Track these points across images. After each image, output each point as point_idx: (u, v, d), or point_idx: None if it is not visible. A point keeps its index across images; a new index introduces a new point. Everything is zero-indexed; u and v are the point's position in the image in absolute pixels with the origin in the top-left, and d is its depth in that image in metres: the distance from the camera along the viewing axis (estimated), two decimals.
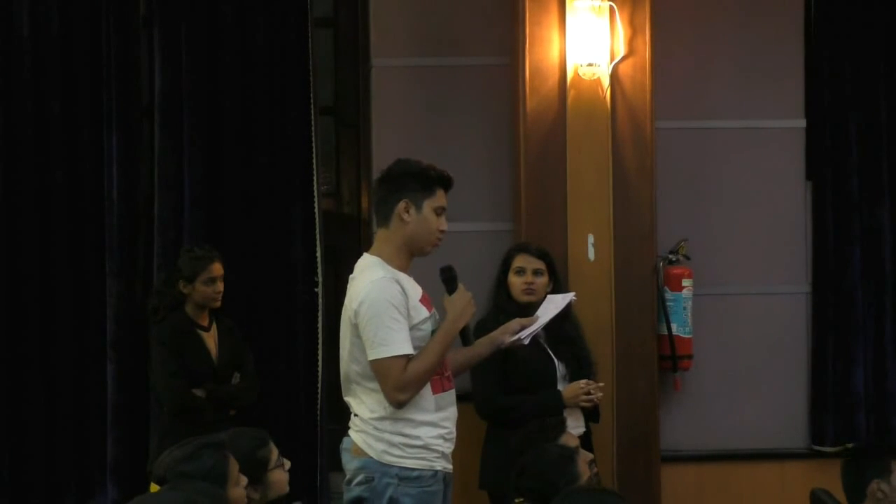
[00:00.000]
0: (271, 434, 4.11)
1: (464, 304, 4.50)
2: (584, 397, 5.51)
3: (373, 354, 4.37)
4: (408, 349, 4.36)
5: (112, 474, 6.31)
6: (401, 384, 4.35)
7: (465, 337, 4.54)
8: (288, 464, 4.05)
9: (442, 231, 4.51)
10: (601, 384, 5.57)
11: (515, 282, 5.70)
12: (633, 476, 6.27)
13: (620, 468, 6.26)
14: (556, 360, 5.59)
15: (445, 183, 4.54)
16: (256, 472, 3.84)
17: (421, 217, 4.47)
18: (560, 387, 5.56)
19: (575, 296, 5.16)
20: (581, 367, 5.63)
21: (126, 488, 6.21)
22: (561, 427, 4.77)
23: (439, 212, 4.50)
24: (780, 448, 6.73)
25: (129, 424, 6.30)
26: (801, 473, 6.47)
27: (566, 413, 5.43)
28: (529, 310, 5.66)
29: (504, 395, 5.51)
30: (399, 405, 4.37)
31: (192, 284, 5.92)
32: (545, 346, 5.59)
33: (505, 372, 5.51)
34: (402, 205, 4.47)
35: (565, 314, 5.60)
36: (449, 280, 4.55)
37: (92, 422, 6.38)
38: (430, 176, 4.51)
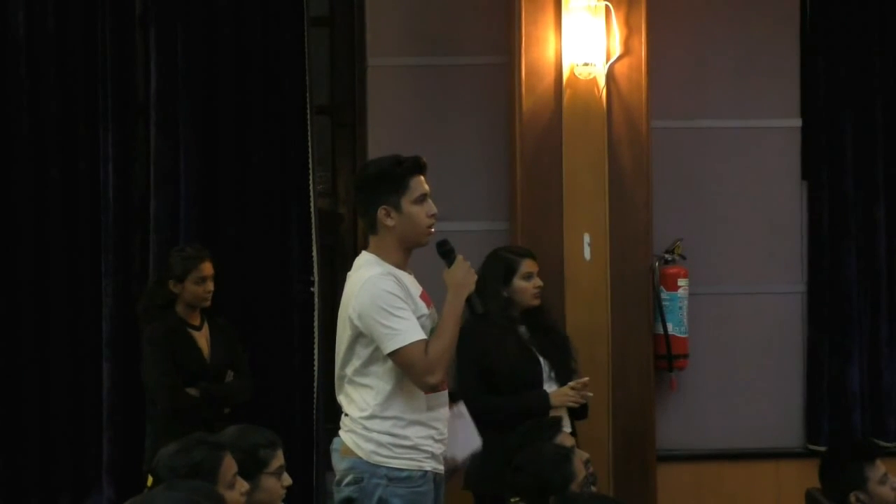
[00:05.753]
0: None
1: (464, 273, 4.46)
2: (572, 396, 5.48)
3: (390, 347, 4.32)
4: (421, 334, 4.33)
5: (108, 473, 6.30)
6: (428, 367, 4.31)
7: (472, 306, 4.49)
8: (288, 480, 3.94)
9: (431, 216, 4.44)
10: (586, 379, 5.52)
11: (527, 287, 5.59)
12: (629, 476, 6.27)
13: (616, 468, 6.26)
14: (541, 359, 5.56)
15: (417, 170, 4.44)
16: (252, 469, 3.81)
17: (404, 216, 4.40)
18: (546, 385, 5.54)
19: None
20: (563, 361, 5.59)
21: (122, 487, 6.20)
22: (557, 426, 4.76)
23: (421, 200, 4.41)
24: (775, 447, 6.73)
25: (124, 424, 6.29)
26: (796, 473, 6.44)
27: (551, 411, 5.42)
28: (538, 315, 5.62)
29: (489, 395, 5.49)
30: (432, 389, 4.36)
31: (182, 284, 5.90)
32: (530, 345, 5.57)
33: (491, 372, 5.48)
34: (381, 212, 4.41)
35: (541, 307, 5.58)
36: (446, 253, 4.50)
37: (88, 421, 6.37)
38: (398, 173, 4.41)
